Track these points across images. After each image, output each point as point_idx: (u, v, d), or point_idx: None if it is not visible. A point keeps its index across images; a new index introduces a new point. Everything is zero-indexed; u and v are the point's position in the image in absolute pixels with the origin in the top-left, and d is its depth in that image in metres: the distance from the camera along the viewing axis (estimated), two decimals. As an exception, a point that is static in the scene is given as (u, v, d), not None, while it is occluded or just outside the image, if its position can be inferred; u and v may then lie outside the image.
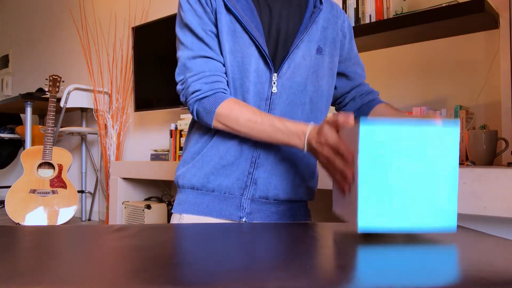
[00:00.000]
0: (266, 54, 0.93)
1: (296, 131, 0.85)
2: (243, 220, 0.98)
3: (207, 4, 0.94)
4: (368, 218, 0.63)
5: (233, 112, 0.89)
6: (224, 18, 0.94)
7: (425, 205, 0.64)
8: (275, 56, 0.96)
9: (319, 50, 0.99)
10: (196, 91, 0.92)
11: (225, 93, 0.93)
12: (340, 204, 0.76)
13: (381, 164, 0.63)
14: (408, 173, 0.63)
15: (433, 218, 0.64)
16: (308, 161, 1.02)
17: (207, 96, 0.92)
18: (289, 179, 1.00)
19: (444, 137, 0.63)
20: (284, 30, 0.97)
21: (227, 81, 0.95)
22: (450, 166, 0.64)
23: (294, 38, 0.96)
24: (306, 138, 0.83)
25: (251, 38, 0.93)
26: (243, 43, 0.93)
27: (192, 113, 0.95)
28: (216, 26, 0.95)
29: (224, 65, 0.94)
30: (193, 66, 0.93)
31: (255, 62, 0.94)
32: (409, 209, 0.64)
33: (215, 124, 0.92)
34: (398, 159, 0.63)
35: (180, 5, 0.97)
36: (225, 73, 0.95)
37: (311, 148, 0.83)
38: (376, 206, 0.63)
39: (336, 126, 0.76)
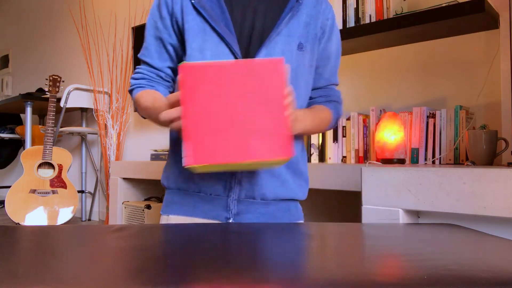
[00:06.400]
0: (235, 51, 0.92)
1: (159, 106, 0.88)
2: (230, 221, 0.96)
3: (167, 10, 0.97)
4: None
5: (139, 103, 0.99)
6: (193, 20, 0.94)
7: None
8: (248, 53, 0.95)
9: (300, 47, 0.96)
10: (130, 85, 1.05)
11: (143, 86, 1.01)
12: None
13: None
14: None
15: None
16: (292, 157, 1.00)
17: (132, 90, 1.03)
18: (274, 177, 0.97)
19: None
20: (259, 26, 0.95)
21: (164, 78, 1.03)
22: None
23: (270, 33, 0.94)
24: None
25: (220, 37, 0.93)
26: (212, 41, 0.93)
27: None
28: (182, 28, 0.96)
29: (161, 70, 1.02)
30: (139, 67, 1.06)
31: (225, 59, 0.93)
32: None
33: (139, 112, 1.01)
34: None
35: None
36: (160, 75, 1.02)
37: None
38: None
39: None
